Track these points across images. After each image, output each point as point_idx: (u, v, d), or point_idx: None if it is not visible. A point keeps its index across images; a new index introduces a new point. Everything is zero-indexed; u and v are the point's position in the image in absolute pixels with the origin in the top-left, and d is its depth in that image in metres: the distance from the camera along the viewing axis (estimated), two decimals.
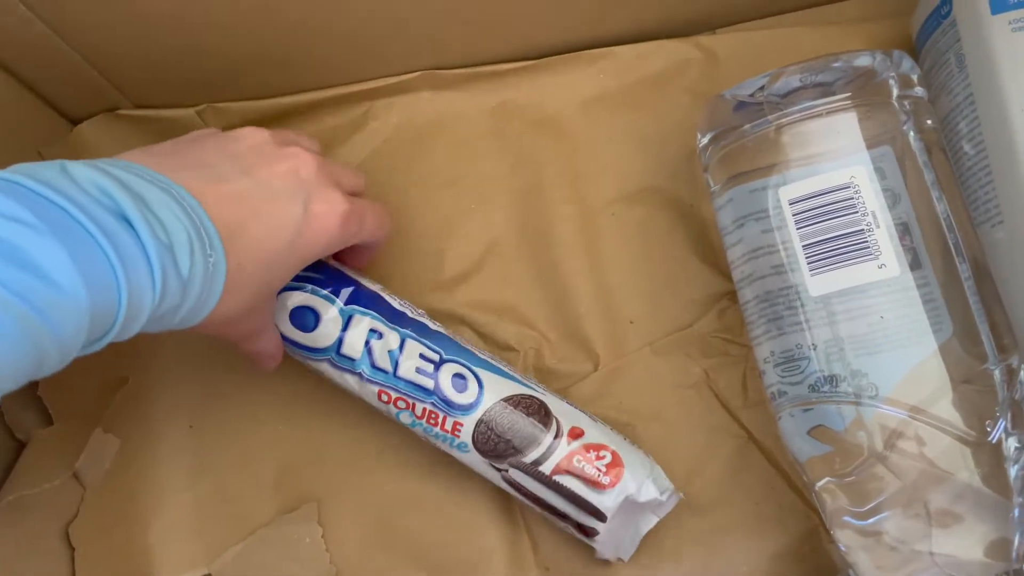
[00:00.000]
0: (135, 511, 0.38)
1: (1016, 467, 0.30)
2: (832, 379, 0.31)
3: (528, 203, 0.41)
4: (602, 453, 0.34)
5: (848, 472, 0.31)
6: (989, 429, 0.30)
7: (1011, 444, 0.30)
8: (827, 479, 0.32)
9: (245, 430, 0.39)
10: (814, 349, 0.32)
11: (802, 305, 0.32)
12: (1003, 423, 0.30)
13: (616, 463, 0.34)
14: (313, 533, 0.38)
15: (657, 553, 0.36)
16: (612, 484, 0.33)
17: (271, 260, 0.30)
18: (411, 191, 0.42)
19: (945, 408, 0.30)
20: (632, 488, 0.34)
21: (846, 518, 0.31)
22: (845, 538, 0.31)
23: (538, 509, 0.35)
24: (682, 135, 0.40)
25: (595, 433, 0.35)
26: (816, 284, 0.32)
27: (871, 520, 0.31)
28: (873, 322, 0.31)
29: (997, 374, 0.31)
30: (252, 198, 0.29)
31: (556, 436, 0.34)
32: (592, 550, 0.35)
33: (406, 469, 0.38)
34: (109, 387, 0.37)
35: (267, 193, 0.30)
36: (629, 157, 0.41)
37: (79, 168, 0.24)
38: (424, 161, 0.42)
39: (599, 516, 0.33)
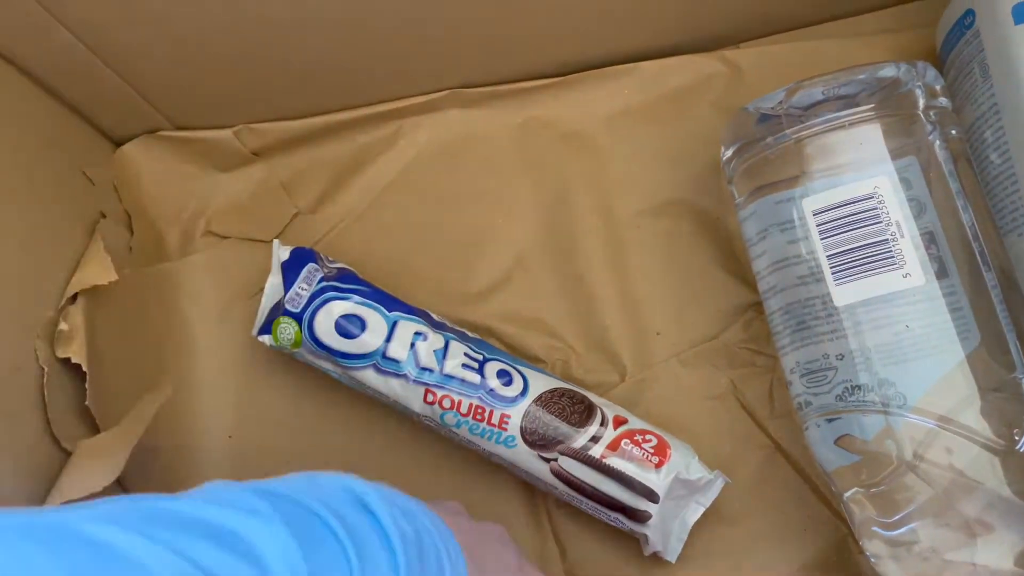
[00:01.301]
0: None
1: None
2: (859, 389, 0.32)
3: (554, 217, 0.42)
4: (648, 437, 0.35)
5: (877, 482, 0.31)
6: (1017, 438, 0.30)
7: None
8: (855, 489, 0.32)
9: (281, 441, 0.40)
10: (840, 359, 0.32)
11: (828, 315, 0.32)
12: None
13: (663, 445, 0.35)
14: None
15: (686, 562, 0.36)
16: (661, 464, 0.34)
17: None
18: (440, 206, 0.43)
19: (974, 417, 0.30)
20: (681, 466, 0.35)
21: (875, 528, 0.31)
22: (874, 548, 0.31)
23: (587, 503, 0.35)
24: (707, 148, 0.41)
25: (637, 422, 0.36)
26: (841, 294, 0.32)
27: (900, 530, 0.31)
28: (899, 331, 0.31)
29: None
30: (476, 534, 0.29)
31: (602, 424, 0.35)
32: (620, 555, 0.35)
33: (437, 481, 0.39)
34: (151, 398, 0.39)
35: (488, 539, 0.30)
36: (654, 170, 0.42)
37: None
38: (452, 177, 0.43)
39: (652, 497, 0.34)
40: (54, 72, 0.38)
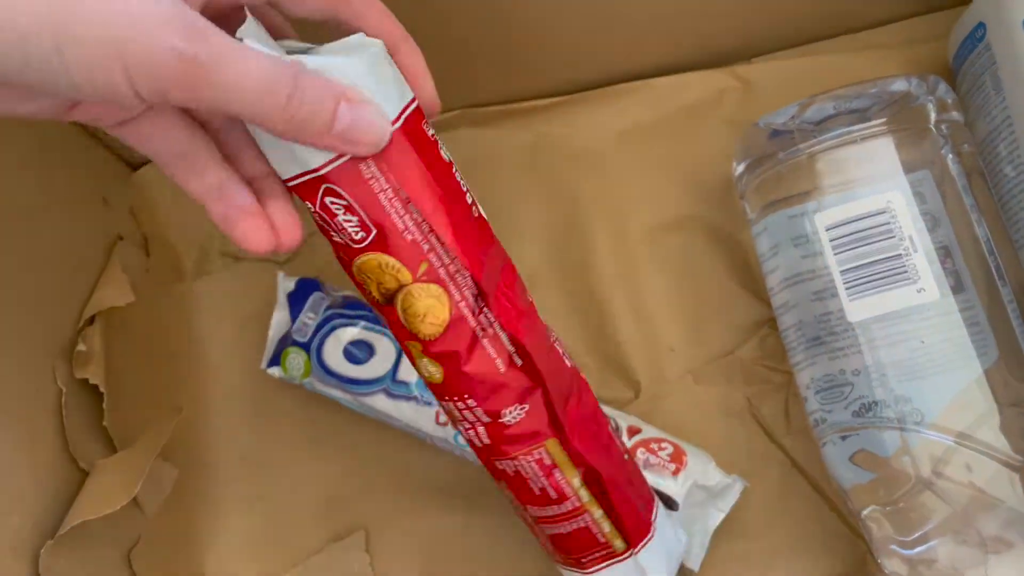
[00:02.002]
0: (192, 538, 0.39)
1: None
2: (875, 405, 0.31)
3: (566, 234, 0.42)
4: (663, 445, 0.35)
5: (894, 500, 0.31)
6: None
7: None
8: (873, 507, 0.31)
9: (295, 460, 0.40)
10: (856, 375, 0.32)
11: (842, 331, 0.32)
12: None
13: (679, 452, 0.35)
14: (361, 560, 0.38)
15: (708, 574, 0.36)
16: (678, 471, 0.34)
17: None
18: None
19: (992, 433, 0.30)
20: (698, 472, 0.34)
21: (893, 546, 0.31)
22: (893, 566, 0.31)
23: None
24: (719, 164, 0.41)
25: (652, 430, 0.36)
26: (855, 309, 0.32)
27: (919, 548, 0.30)
28: (915, 347, 0.31)
29: None
30: None
31: (616, 433, 0.35)
32: None
33: (452, 498, 0.39)
34: (166, 418, 0.39)
35: None
36: (666, 186, 0.42)
37: None
38: None
39: (671, 504, 0.34)
40: None
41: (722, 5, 0.40)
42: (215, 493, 0.40)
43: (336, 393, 0.37)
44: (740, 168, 0.36)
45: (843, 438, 0.32)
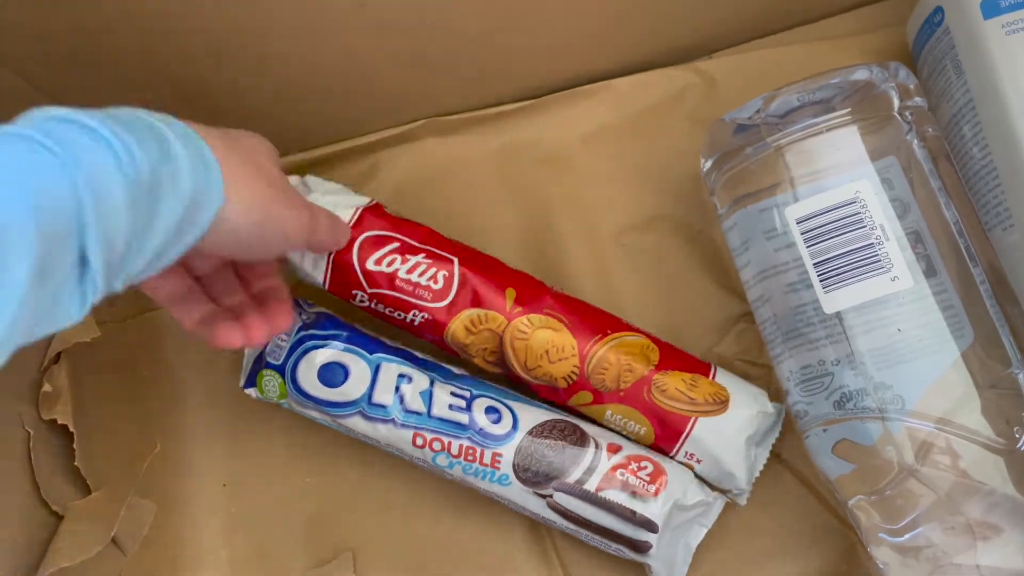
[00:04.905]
0: (174, 574, 0.38)
1: None
2: (857, 393, 0.31)
3: (539, 239, 0.42)
4: (643, 464, 0.34)
5: (880, 488, 0.31)
6: (1018, 435, 0.30)
7: None
8: (859, 496, 0.31)
9: (277, 483, 0.40)
10: (836, 364, 0.32)
11: (820, 321, 0.32)
12: None
13: (659, 471, 0.34)
14: None
15: None
16: (658, 492, 0.34)
17: (257, 163, 0.29)
18: None
19: (973, 417, 0.30)
20: (678, 493, 0.34)
21: (882, 535, 0.31)
22: (882, 555, 0.31)
23: (587, 534, 0.35)
24: (686, 161, 0.40)
25: (632, 447, 0.35)
26: (830, 301, 0.32)
27: (907, 536, 0.30)
28: (892, 334, 0.31)
29: (1022, 378, 0.30)
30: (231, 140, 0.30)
31: (596, 452, 0.34)
32: None
33: (438, 515, 0.39)
34: (141, 454, 0.38)
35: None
36: (635, 186, 0.41)
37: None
38: (433, 206, 0.42)
39: (650, 527, 0.33)
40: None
41: (680, 2, 0.40)
42: (196, 524, 0.39)
43: (314, 414, 0.36)
44: (708, 164, 0.36)
45: (825, 429, 0.32)
